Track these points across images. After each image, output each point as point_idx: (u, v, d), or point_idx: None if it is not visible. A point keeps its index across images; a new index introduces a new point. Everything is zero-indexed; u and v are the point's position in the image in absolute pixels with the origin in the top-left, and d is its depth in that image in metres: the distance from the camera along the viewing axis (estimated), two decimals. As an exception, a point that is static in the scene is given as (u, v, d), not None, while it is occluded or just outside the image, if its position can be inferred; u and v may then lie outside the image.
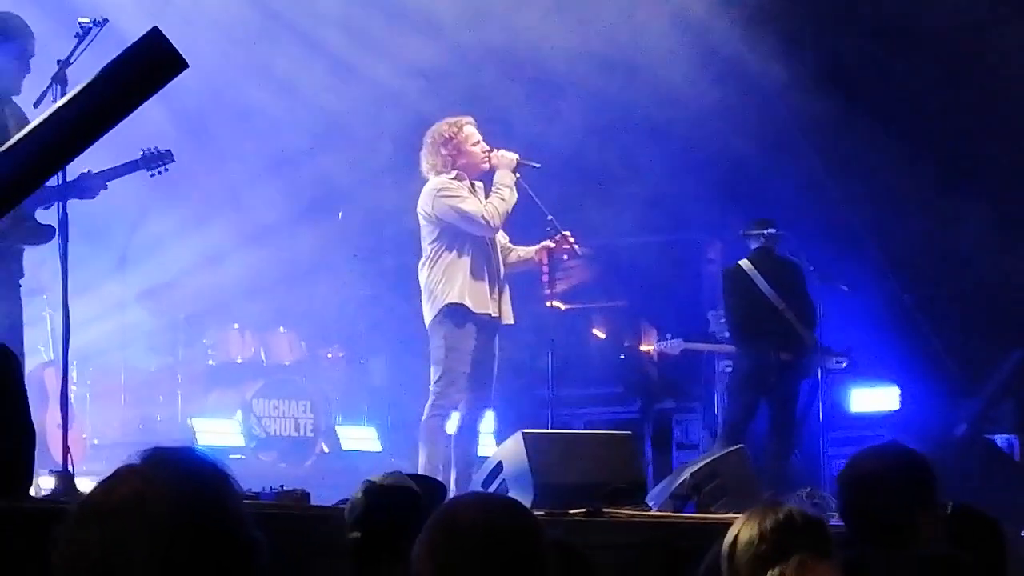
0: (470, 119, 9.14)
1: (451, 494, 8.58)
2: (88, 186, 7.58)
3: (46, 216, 7.57)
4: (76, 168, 7.47)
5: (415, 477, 5.54)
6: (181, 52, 3.14)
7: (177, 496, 2.18)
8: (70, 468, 6.64)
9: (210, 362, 12.48)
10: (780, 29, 13.12)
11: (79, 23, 7.28)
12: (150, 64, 3.14)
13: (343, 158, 13.54)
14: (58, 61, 7.13)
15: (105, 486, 2.22)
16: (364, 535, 4.89)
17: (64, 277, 7.01)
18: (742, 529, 3.78)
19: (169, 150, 7.97)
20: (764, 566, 3.67)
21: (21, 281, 7.75)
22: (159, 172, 7.96)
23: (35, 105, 7.00)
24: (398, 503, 4.94)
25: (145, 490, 2.18)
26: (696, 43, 12.75)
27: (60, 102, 3.33)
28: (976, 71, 13.26)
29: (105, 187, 7.67)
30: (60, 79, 6.99)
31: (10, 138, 3.31)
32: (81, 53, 7.19)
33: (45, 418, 9.36)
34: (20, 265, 7.73)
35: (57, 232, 7.15)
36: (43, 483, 6.83)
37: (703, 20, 12.72)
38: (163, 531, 2.14)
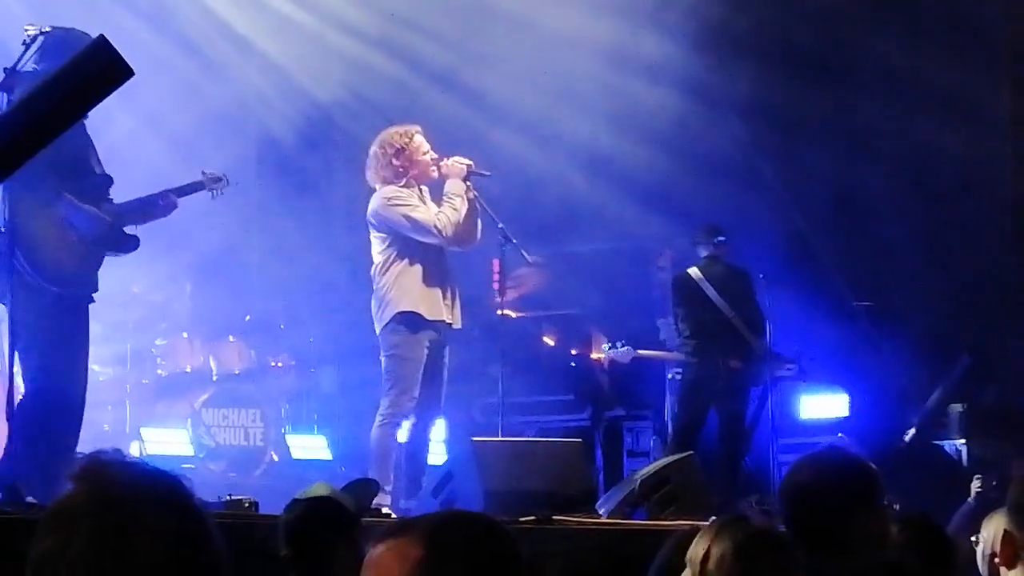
0: (418, 128, 9.12)
1: (400, 502, 8.60)
2: (168, 203, 7.90)
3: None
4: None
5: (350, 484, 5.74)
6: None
7: (141, 503, 2.18)
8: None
9: (159, 371, 12.41)
10: (727, 38, 13.19)
11: (26, 31, 7.24)
12: (96, 72, 3.12)
13: (291, 164, 13.58)
14: (4, 69, 7.09)
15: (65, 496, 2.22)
16: (294, 552, 5.11)
17: (12, 287, 6.97)
18: (714, 543, 3.75)
19: (224, 175, 8.50)
20: None
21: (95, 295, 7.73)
22: (218, 193, 8.48)
23: (-20, 114, 6.94)
24: (322, 518, 5.16)
25: (102, 496, 2.17)
26: (645, 52, 12.81)
27: (6, 110, 3.32)
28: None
29: (176, 205, 7.97)
30: (7, 87, 6.95)
31: None
32: (28, 61, 7.16)
33: (-10, 428, 9.30)
34: (97, 275, 7.68)
35: (9, 240, 7.11)
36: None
37: (652, 30, 12.79)
38: (126, 538, 2.14)
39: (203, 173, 8.34)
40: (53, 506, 2.21)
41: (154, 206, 7.83)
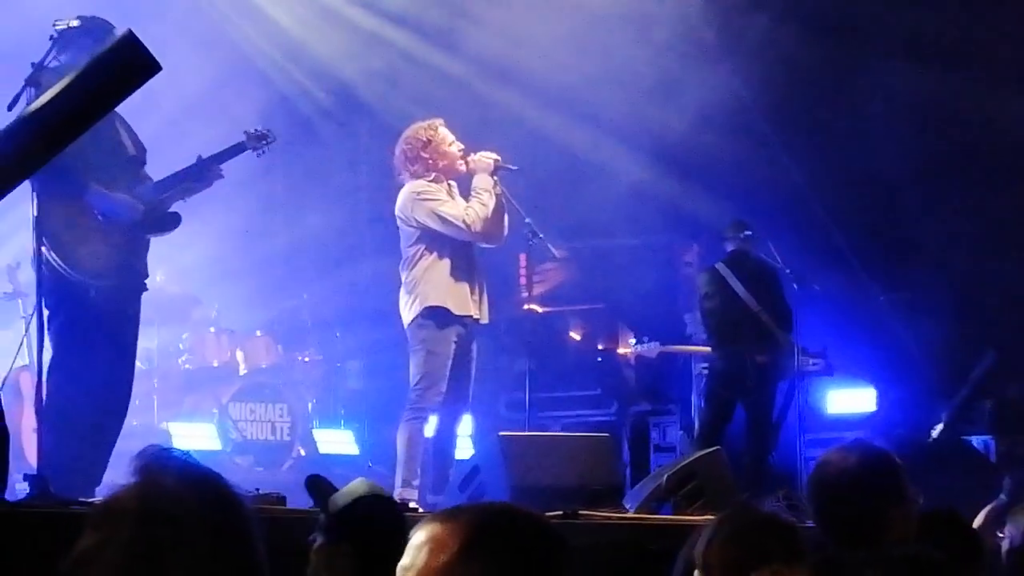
0: (441, 120, 9.12)
1: (428, 497, 8.60)
2: (212, 173, 7.66)
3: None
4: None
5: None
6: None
7: (188, 502, 2.18)
8: (45, 473, 6.60)
9: (186, 366, 12.45)
10: (759, 30, 13.14)
11: (54, 26, 7.27)
12: (124, 67, 3.13)
13: (315, 156, 13.59)
14: (31, 64, 7.11)
15: (113, 495, 2.22)
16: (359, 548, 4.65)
17: (39, 281, 6.99)
18: (717, 532, 3.78)
19: (270, 130, 8.07)
20: (738, 570, 3.67)
21: (147, 282, 7.75)
22: (263, 152, 8.07)
23: (9, 108, 6.98)
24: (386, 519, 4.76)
25: (151, 505, 2.17)
26: (671, 44, 12.78)
27: (36, 103, 3.33)
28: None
29: (221, 174, 7.72)
30: (34, 82, 6.96)
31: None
32: (56, 56, 7.18)
33: (20, 422, 9.34)
34: (145, 260, 7.72)
35: (36, 235, 7.12)
36: (17, 488, 6.80)
37: (679, 22, 12.76)
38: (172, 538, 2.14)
39: (245, 133, 7.98)
40: (105, 502, 2.21)
41: (194, 178, 7.63)
